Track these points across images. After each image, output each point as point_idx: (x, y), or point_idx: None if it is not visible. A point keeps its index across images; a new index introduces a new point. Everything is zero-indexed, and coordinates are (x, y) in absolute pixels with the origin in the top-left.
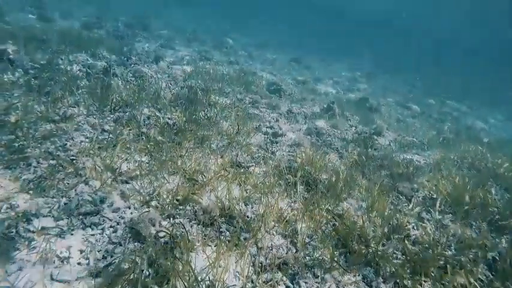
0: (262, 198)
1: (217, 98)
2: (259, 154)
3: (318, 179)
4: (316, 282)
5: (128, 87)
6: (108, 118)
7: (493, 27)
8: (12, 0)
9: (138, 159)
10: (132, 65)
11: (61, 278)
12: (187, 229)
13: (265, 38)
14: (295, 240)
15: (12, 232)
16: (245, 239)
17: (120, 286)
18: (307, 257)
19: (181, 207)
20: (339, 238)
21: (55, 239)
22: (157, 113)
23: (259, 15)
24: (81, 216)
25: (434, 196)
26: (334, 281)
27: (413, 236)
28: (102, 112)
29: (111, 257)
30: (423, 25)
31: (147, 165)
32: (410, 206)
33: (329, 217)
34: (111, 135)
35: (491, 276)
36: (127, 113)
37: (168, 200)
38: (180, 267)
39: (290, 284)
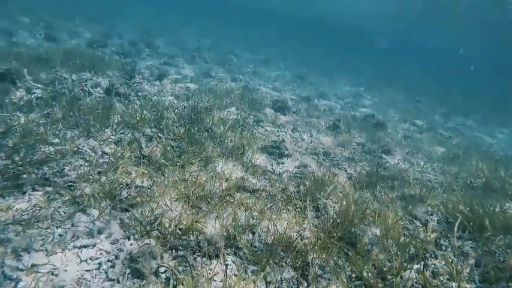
0: (270, 225)
1: (221, 116)
2: (266, 176)
3: (327, 204)
4: None
5: (130, 106)
6: (110, 140)
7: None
8: (20, 20)
9: (140, 184)
10: (135, 84)
11: None
12: (190, 263)
13: (268, 54)
14: (307, 273)
15: None
16: (253, 272)
17: None
18: None
19: (184, 237)
20: (353, 269)
21: (46, 277)
22: (160, 134)
23: (261, 33)
24: (76, 250)
25: (450, 220)
26: None
27: (432, 266)
28: (104, 133)
29: None
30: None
31: (148, 190)
32: (429, 233)
33: (341, 246)
34: (111, 159)
35: None
36: (128, 134)
37: (170, 229)
38: None
39: None
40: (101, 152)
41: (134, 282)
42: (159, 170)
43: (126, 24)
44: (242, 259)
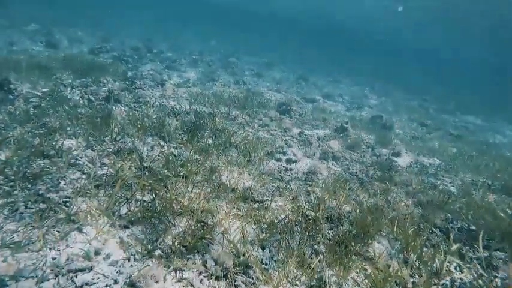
0: (281, 240)
1: (225, 122)
2: (274, 184)
3: (341, 214)
4: None
5: (130, 114)
6: (109, 150)
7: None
8: (22, 29)
9: (140, 198)
10: (137, 90)
11: None
12: (197, 286)
13: (271, 56)
14: None
15: None
16: None
17: None
18: None
19: (189, 256)
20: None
21: None
22: (162, 142)
23: (263, 35)
24: (71, 274)
25: (473, 227)
26: None
27: (459, 282)
28: (102, 143)
29: None
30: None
31: (150, 205)
32: (451, 243)
33: (359, 262)
34: (110, 170)
35: None
36: (129, 144)
37: (173, 248)
38: None
39: None
40: (99, 163)
41: None
42: (161, 181)
43: (127, 30)
44: (253, 279)
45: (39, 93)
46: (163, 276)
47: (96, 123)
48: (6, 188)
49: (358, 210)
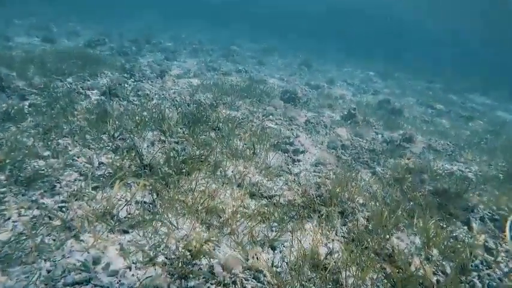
0: (292, 239)
1: (228, 113)
2: (282, 178)
3: (355, 208)
4: None
5: (129, 108)
6: (107, 148)
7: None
8: (18, 23)
9: (140, 199)
10: (135, 83)
11: None
12: None
13: (271, 43)
14: None
15: None
16: None
17: None
18: None
19: (194, 261)
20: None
21: None
22: (162, 137)
23: (261, 23)
24: None
25: (496, 216)
26: None
27: (487, 278)
28: (100, 141)
29: None
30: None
31: (151, 206)
32: (475, 236)
33: (377, 261)
34: (109, 170)
35: None
36: (127, 140)
37: (177, 253)
38: None
39: None
40: (97, 163)
41: None
42: (163, 180)
43: (127, 23)
44: (263, 284)
45: (34, 90)
46: (167, 285)
47: (93, 120)
48: None
49: (372, 203)
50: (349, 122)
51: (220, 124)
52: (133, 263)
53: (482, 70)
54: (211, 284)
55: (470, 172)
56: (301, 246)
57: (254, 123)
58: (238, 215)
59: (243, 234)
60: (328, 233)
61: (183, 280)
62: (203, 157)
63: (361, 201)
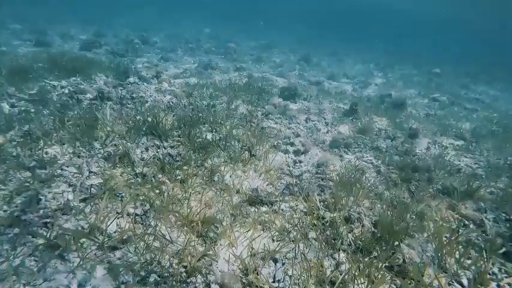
0: (295, 249)
1: (226, 113)
2: (282, 181)
3: (361, 213)
4: None
5: (123, 112)
6: (99, 155)
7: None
8: (11, 28)
9: (132, 210)
10: (130, 85)
11: None
12: None
13: (269, 39)
14: None
15: None
16: None
17: None
18: None
19: (190, 279)
20: None
21: None
22: (157, 142)
23: (257, 18)
24: None
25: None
26: None
27: None
28: (91, 148)
29: None
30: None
31: (143, 218)
32: (495, 245)
33: (386, 271)
34: (99, 180)
35: None
36: (120, 147)
37: (171, 270)
38: None
39: None
40: (87, 172)
41: None
42: (156, 188)
43: (123, 23)
44: None
45: (24, 96)
46: None
47: (84, 126)
48: None
49: (379, 205)
50: (350, 118)
51: (218, 125)
52: (122, 283)
53: (485, 61)
54: None
55: (479, 168)
56: (305, 259)
57: (253, 123)
58: (237, 225)
59: (242, 246)
60: (333, 241)
61: None
62: (199, 162)
63: (367, 204)
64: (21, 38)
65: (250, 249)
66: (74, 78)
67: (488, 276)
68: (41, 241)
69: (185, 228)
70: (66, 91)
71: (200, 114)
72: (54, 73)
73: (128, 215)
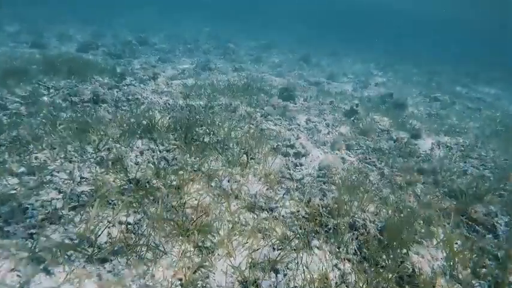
0: (297, 259)
1: (224, 115)
2: (283, 185)
3: (366, 219)
4: None
5: (118, 115)
6: (91, 160)
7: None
8: (7, 29)
9: (124, 219)
10: (126, 87)
11: None
12: None
13: (268, 39)
14: None
15: None
16: None
17: None
18: None
19: None
20: None
21: None
22: (152, 145)
23: (257, 18)
24: None
25: None
26: None
27: None
28: (84, 152)
29: None
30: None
31: (136, 227)
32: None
33: (395, 282)
34: (91, 187)
35: None
36: (114, 150)
37: (166, 284)
38: None
39: None
40: (79, 178)
41: None
42: (150, 195)
43: (121, 23)
44: None
45: (17, 99)
46: None
47: (77, 129)
48: None
49: (384, 210)
50: (351, 118)
51: (215, 128)
52: None
53: (485, 60)
54: None
55: (486, 169)
56: (308, 270)
57: (252, 124)
58: (236, 233)
59: (241, 256)
60: (337, 250)
61: None
62: (196, 166)
63: (371, 208)
64: (18, 40)
65: (250, 259)
66: (68, 80)
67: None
68: (25, 253)
69: (180, 237)
70: (60, 93)
71: (197, 116)
72: (48, 75)
73: (120, 223)
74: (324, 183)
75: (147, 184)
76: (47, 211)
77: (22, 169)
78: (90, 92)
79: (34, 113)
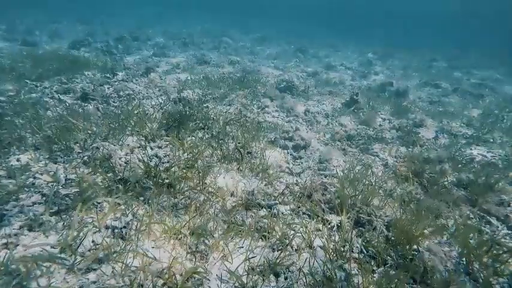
0: (299, 262)
1: (219, 108)
2: (282, 180)
3: (372, 214)
4: None
5: (108, 111)
6: (78, 160)
7: None
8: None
9: (111, 223)
10: (117, 83)
11: None
12: None
13: (265, 32)
14: None
15: None
16: None
17: None
18: None
19: None
20: None
21: None
22: (143, 142)
23: (254, 11)
24: None
25: None
26: None
27: None
28: (71, 152)
29: None
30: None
31: (123, 231)
32: None
33: (405, 281)
34: (76, 189)
35: None
36: (101, 149)
37: None
38: None
39: None
40: (64, 180)
41: None
42: (140, 196)
43: (114, 21)
44: None
45: (2, 98)
46: None
47: (64, 128)
48: None
49: (390, 203)
50: (352, 108)
51: (210, 121)
52: None
53: (485, 44)
54: None
55: (494, 157)
56: (310, 271)
57: (248, 117)
58: (232, 233)
59: (239, 260)
60: (342, 249)
61: None
62: (190, 163)
63: (376, 202)
64: (6, 39)
65: (248, 263)
66: (57, 77)
67: None
68: None
69: (172, 241)
70: (48, 91)
71: (191, 111)
72: (37, 73)
73: (107, 228)
74: (325, 176)
75: (136, 184)
76: (26, 217)
77: (2, 172)
78: (79, 90)
79: (19, 112)
